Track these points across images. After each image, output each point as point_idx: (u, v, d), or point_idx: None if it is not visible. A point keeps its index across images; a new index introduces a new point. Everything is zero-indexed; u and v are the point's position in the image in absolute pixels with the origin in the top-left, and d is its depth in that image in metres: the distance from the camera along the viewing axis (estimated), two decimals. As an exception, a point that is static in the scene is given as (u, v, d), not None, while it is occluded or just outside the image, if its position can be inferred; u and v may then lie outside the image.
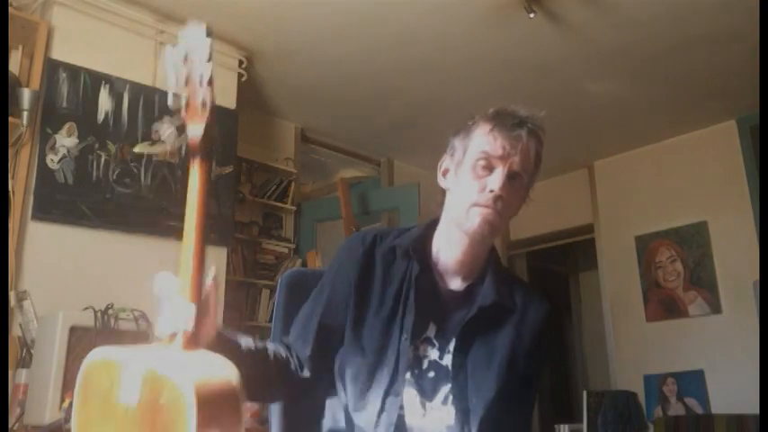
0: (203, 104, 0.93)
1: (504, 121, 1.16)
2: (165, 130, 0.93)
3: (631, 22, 3.12)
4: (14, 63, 2.66)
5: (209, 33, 0.97)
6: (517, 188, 1.17)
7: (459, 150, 1.20)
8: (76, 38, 2.81)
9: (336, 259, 1.24)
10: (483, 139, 1.16)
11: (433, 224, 1.25)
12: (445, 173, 1.24)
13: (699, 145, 4.36)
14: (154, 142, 2.93)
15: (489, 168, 1.15)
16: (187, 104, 0.93)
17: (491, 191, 1.13)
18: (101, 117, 2.80)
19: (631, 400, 4.09)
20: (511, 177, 1.14)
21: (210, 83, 0.93)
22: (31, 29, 2.68)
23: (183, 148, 0.95)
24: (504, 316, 1.17)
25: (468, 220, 1.15)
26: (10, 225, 2.43)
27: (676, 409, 4.09)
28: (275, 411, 1.27)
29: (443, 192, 1.24)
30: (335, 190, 4.17)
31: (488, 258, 1.23)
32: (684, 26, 3.16)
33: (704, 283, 4.19)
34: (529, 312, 1.21)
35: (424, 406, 1.12)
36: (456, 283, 1.20)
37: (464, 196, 1.16)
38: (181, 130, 0.95)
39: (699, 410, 3.99)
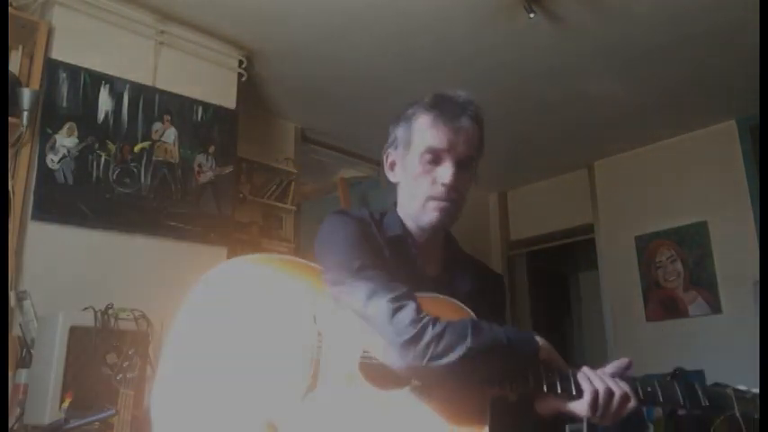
0: None
1: (444, 110, 1.18)
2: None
3: (631, 22, 3.12)
4: (14, 63, 2.66)
5: None
6: (466, 172, 1.20)
7: (402, 142, 1.23)
8: (76, 38, 2.81)
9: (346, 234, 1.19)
10: (426, 134, 1.18)
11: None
12: (392, 165, 1.27)
13: (699, 145, 4.36)
14: (154, 142, 2.94)
15: (436, 161, 1.18)
16: None
17: (443, 184, 1.17)
18: (101, 117, 2.80)
19: (631, 400, 4.08)
20: (458, 166, 1.18)
21: None
22: (31, 29, 2.68)
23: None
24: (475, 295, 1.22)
25: (426, 214, 1.19)
26: (10, 225, 2.43)
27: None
28: None
29: (390, 182, 1.27)
30: (335, 190, 4.17)
31: (446, 243, 1.29)
32: (684, 26, 3.16)
33: (704, 283, 4.19)
34: (491, 283, 1.31)
35: None
36: (431, 270, 1.25)
37: (417, 191, 1.19)
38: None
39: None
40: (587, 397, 1.04)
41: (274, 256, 1.21)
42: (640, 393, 1.07)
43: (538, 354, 1.06)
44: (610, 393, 1.05)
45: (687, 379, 1.06)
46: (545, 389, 1.05)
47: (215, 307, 1.11)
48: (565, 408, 1.07)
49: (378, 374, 1.05)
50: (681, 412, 4.03)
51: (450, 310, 1.12)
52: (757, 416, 1.04)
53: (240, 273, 1.16)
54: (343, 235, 1.15)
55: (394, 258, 1.19)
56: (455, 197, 1.18)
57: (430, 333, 1.00)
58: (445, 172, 1.16)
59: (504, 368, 1.04)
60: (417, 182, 1.19)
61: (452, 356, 0.99)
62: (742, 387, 1.07)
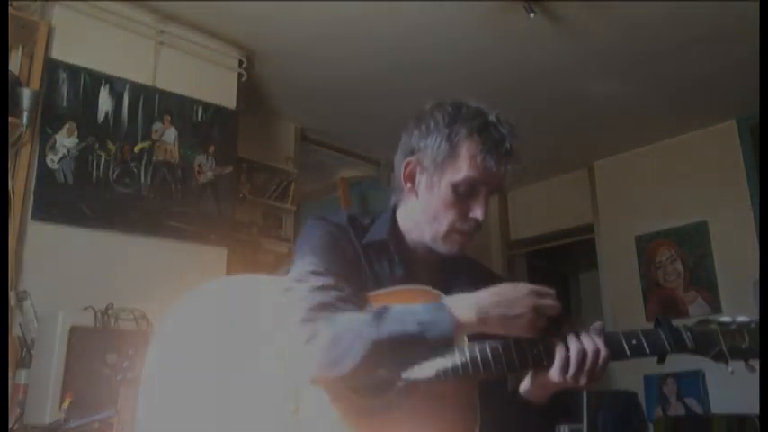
0: None
1: (491, 144, 1.10)
2: None
3: (631, 22, 3.12)
4: (14, 63, 2.66)
5: None
6: (490, 200, 1.15)
7: (433, 158, 1.12)
8: (76, 38, 2.81)
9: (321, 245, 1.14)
10: (469, 162, 1.10)
11: (395, 216, 1.22)
12: (411, 176, 1.17)
13: (699, 145, 4.36)
14: (154, 142, 2.94)
15: (470, 193, 1.11)
16: None
17: (475, 219, 1.11)
18: (101, 117, 2.80)
19: (631, 400, 4.08)
20: (489, 196, 1.14)
21: None
22: (31, 29, 2.68)
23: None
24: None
25: (447, 243, 1.14)
26: (10, 225, 2.43)
27: (676, 409, 4.09)
28: None
29: (403, 189, 1.19)
30: (335, 190, 4.17)
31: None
32: (684, 26, 3.16)
33: (704, 283, 4.19)
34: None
35: None
36: (426, 274, 1.19)
37: (442, 218, 1.12)
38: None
39: (699, 410, 3.98)
40: (557, 359, 1.00)
41: (239, 279, 1.17)
42: (626, 349, 1.02)
43: (453, 333, 0.98)
44: (582, 353, 0.99)
45: (670, 324, 1.04)
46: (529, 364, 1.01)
47: (186, 340, 1.08)
48: (549, 381, 1.02)
49: (360, 385, 1.01)
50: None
51: (429, 299, 1.07)
52: (744, 346, 1.01)
53: (210, 298, 1.13)
54: (310, 242, 1.11)
55: (373, 264, 1.14)
56: (479, 228, 1.13)
57: (325, 339, 0.96)
58: (479, 207, 1.11)
59: (417, 354, 0.98)
60: (445, 209, 1.11)
61: (354, 357, 0.95)
62: (726, 318, 1.04)
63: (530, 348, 1.02)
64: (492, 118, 1.14)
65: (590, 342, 1.01)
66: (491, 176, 1.11)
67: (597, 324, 1.05)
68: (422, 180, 1.15)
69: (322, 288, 1.04)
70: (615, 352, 1.02)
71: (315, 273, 1.06)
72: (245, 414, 1.01)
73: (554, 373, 1.00)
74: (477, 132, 1.11)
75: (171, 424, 1.02)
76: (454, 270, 1.21)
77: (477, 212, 1.11)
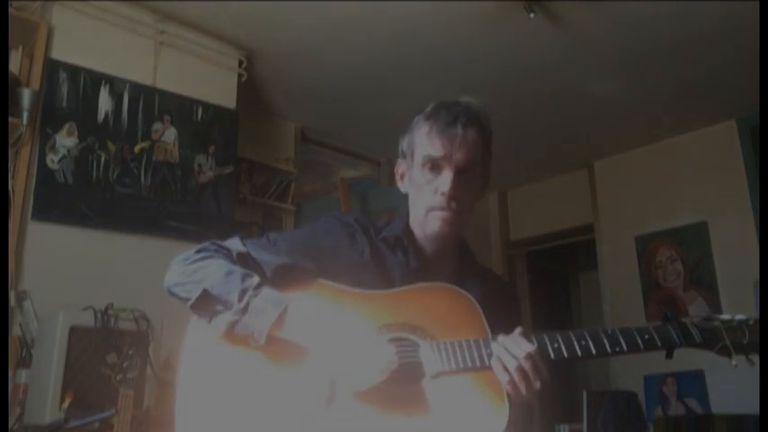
0: None
1: (439, 119, 1.18)
2: None
3: (631, 21, 3.12)
4: (14, 63, 2.66)
5: None
6: (469, 181, 1.18)
7: (407, 152, 1.24)
8: (76, 38, 2.81)
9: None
10: (423, 142, 1.18)
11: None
12: (402, 176, 1.28)
13: (699, 145, 4.36)
14: (154, 142, 2.94)
15: (436, 169, 1.17)
16: None
17: (442, 193, 1.15)
18: (101, 117, 2.80)
19: (631, 400, 4.08)
20: (459, 173, 1.16)
21: None
22: (31, 29, 2.68)
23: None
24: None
25: (428, 224, 1.18)
26: (10, 225, 2.43)
27: (676, 409, 4.09)
28: None
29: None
30: (335, 190, 4.17)
31: (460, 251, 1.28)
32: (684, 26, 3.16)
33: (704, 283, 4.19)
34: (503, 295, 1.31)
35: None
36: (439, 277, 1.23)
37: (420, 201, 1.19)
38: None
39: (699, 410, 3.98)
40: (504, 383, 1.04)
41: None
42: (640, 343, 1.08)
43: (267, 328, 1.04)
44: (523, 374, 1.04)
45: (678, 320, 1.12)
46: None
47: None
48: None
49: (393, 378, 1.04)
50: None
51: (451, 297, 1.14)
52: (745, 341, 1.08)
53: None
54: (300, 230, 1.23)
55: (386, 258, 1.20)
56: (456, 207, 1.16)
57: (187, 261, 1.16)
58: (444, 181, 1.15)
59: (231, 324, 1.06)
60: (420, 192, 1.19)
61: (182, 293, 1.13)
62: (727, 316, 1.11)
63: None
64: (445, 101, 1.22)
65: (525, 358, 1.04)
66: (447, 151, 1.15)
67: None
68: (406, 176, 1.26)
69: (239, 254, 1.16)
70: (630, 346, 1.08)
71: (260, 246, 1.18)
72: (281, 401, 1.04)
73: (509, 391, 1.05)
74: (428, 116, 1.20)
75: (209, 413, 1.05)
76: (466, 271, 1.26)
77: (443, 186, 1.15)
